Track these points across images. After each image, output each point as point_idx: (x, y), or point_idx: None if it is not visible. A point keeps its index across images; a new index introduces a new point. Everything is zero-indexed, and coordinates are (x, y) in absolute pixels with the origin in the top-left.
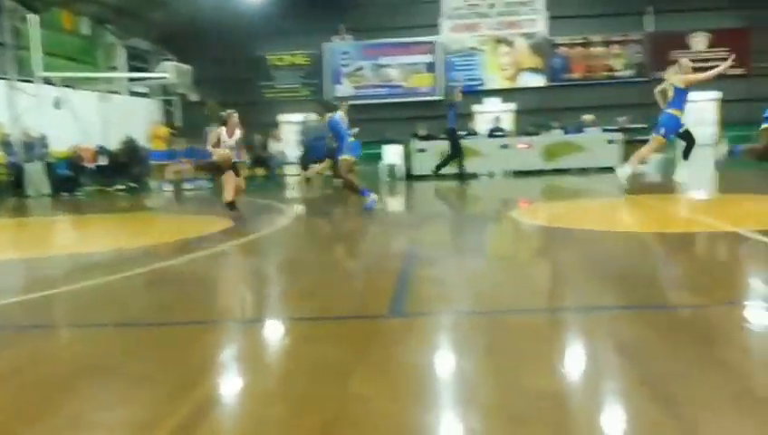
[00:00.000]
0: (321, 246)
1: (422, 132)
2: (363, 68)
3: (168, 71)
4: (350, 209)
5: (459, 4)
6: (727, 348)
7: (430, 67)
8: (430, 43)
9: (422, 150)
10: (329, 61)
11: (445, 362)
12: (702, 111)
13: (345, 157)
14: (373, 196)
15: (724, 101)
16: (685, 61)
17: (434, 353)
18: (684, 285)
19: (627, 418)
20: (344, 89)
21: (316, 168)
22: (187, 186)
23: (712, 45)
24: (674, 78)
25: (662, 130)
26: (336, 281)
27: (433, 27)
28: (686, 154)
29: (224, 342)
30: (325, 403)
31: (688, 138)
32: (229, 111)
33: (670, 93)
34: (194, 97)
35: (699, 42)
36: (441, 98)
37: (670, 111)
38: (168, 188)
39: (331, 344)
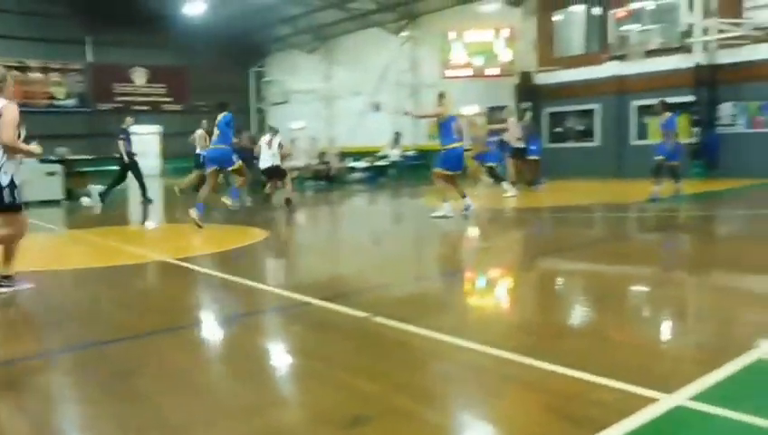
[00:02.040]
0: None
1: None
2: None
3: None
4: None
5: None
6: (144, 378)
7: None
8: None
9: None
10: None
11: None
12: (147, 144)
13: None
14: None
15: (165, 135)
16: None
17: None
18: (113, 318)
19: None
20: None
21: None
22: None
23: (151, 80)
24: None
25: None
26: None
27: None
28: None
29: None
30: None
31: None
32: None
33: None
34: None
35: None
36: None
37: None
38: None
39: None
